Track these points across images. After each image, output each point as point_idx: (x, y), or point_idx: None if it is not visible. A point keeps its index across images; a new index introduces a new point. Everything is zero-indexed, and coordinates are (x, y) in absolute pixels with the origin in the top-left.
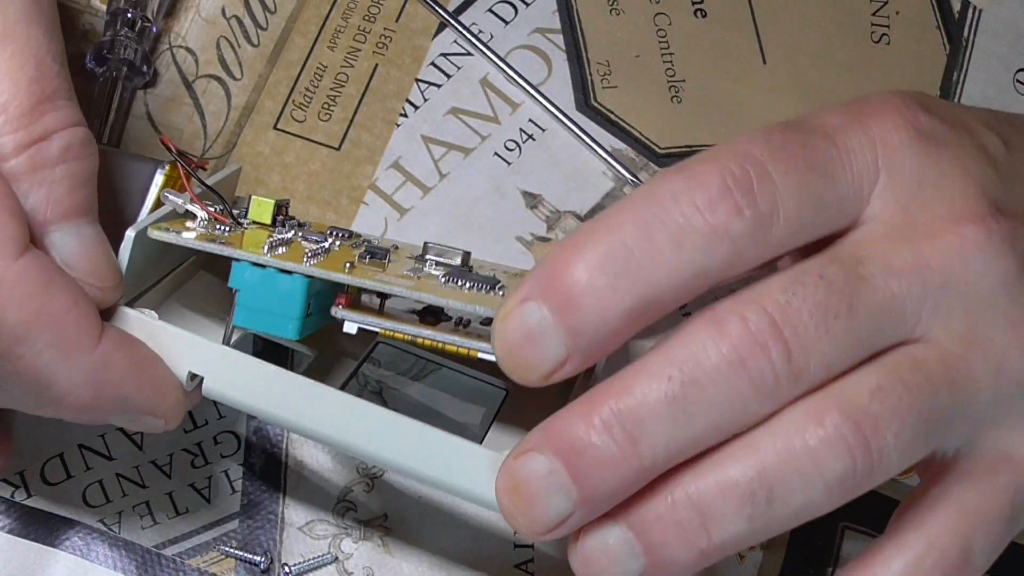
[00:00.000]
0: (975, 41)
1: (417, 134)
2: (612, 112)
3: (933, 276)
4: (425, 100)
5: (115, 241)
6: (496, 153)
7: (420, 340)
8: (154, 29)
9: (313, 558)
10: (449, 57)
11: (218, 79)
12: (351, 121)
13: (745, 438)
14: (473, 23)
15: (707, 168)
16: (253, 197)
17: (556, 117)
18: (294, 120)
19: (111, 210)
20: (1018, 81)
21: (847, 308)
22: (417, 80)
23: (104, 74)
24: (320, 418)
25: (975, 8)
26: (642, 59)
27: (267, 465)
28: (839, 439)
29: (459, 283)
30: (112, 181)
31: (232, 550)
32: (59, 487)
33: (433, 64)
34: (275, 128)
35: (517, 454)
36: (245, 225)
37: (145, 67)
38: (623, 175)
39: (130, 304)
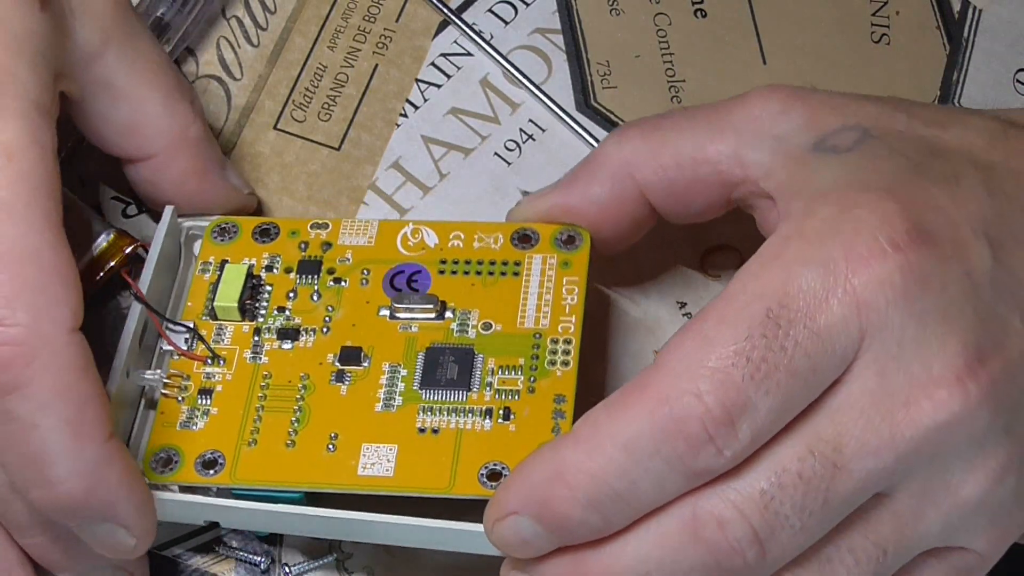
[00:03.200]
0: (975, 41)
1: (417, 134)
2: (612, 112)
3: (906, 447)
4: (425, 100)
5: None
6: (496, 153)
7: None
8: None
9: (313, 558)
10: (449, 57)
11: (218, 79)
12: (351, 121)
13: None
14: (473, 23)
15: (689, 409)
16: (221, 281)
17: (556, 117)
18: (294, 120)
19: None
20: (1018, 81)
21: (823, 502)
22: (417, 80)
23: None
24: (332, 532)
25: (975, 8)
26: (642, 59)
27: None
28: None
29: (425, 391)
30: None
31: (232, 550)
32: None
33: (433, 64)
34: (275, 128)
35: (499, 514)
36: (220, 362)
37: None
38: None
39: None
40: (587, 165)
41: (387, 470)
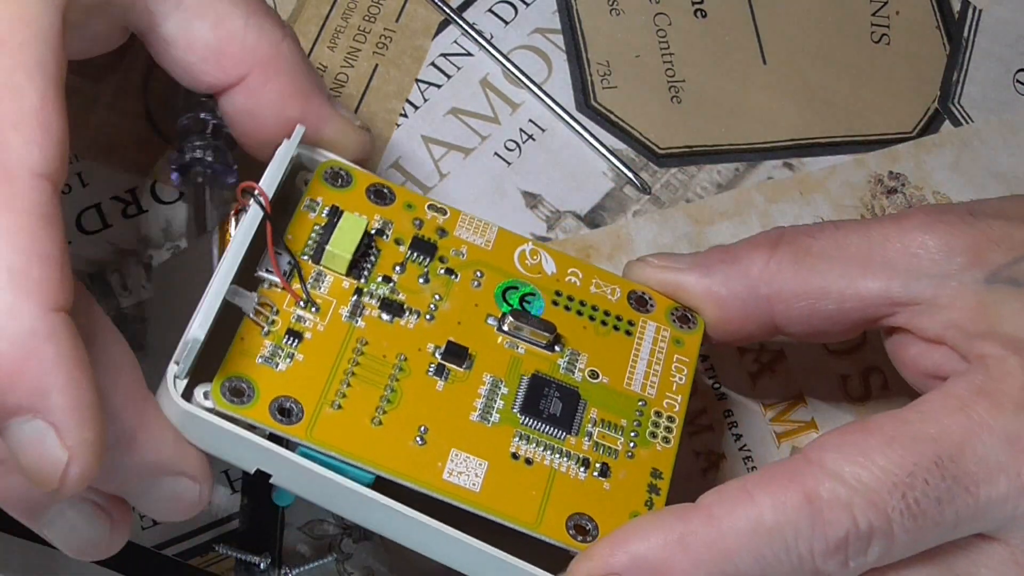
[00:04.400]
0: (975, 41)
1: (417, 134)
2: (612, 112)
3: None
4: (425, 100)
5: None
6: (496, 153)
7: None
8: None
9: (313, 558)
10: (449, 57)
11: None
12: None
13: None
14: (473, 23)
15: (837, 516)
16: (337, 227)
17: (556, 117)
18: None
19: (189, 305)
20: (1018, 81)
21: None
22: (417, 80)
23: (189, 186)
24: (382, 526)
25: (975, 8)
26: (642, 59)
27: None
28: None
29: (529, 421)
30: (178, 282)
31: (232, 550)
32: None
33: (433, 64)
34: None
35: (599, 571)
36: (314, 307)
37: (232, 165)
38: (624, 175)
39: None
40: (730, 260)
41: (474, 484)
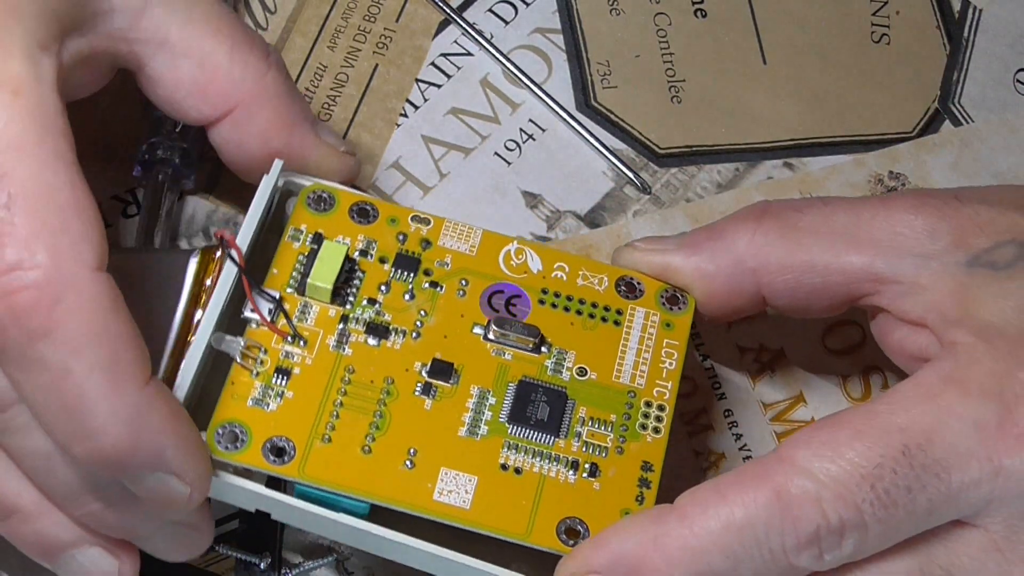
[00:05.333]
0: (975, 41)
1: (417, 134)
2: (612, 112)
3: None
4: (425, 100)
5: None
6: (496, 153)
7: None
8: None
9: (313, 558)
10: (449, 57)
11: None
12: (351, 121)
13: None
14: (473, 23)
15: (806, 511)
16: (318, 258)
17: (556, 117)
18: None
19: (145, 313)
20: (1018, 81)
21: None
22: (417, 80)
23: (149, 180)
24: (380, 551)
25: (975, 8)
26: (642, 59)
27: None
28: None
29: (518, 430)
30: (140, 284)
31: (232, 550)
32: None
33: (433, 64)
34: None
35: (579, 570)
36: (300, 342)
37: (190, 172)
38: (624, 175)
39: None
40: (715, 237)
41: (464, 501)
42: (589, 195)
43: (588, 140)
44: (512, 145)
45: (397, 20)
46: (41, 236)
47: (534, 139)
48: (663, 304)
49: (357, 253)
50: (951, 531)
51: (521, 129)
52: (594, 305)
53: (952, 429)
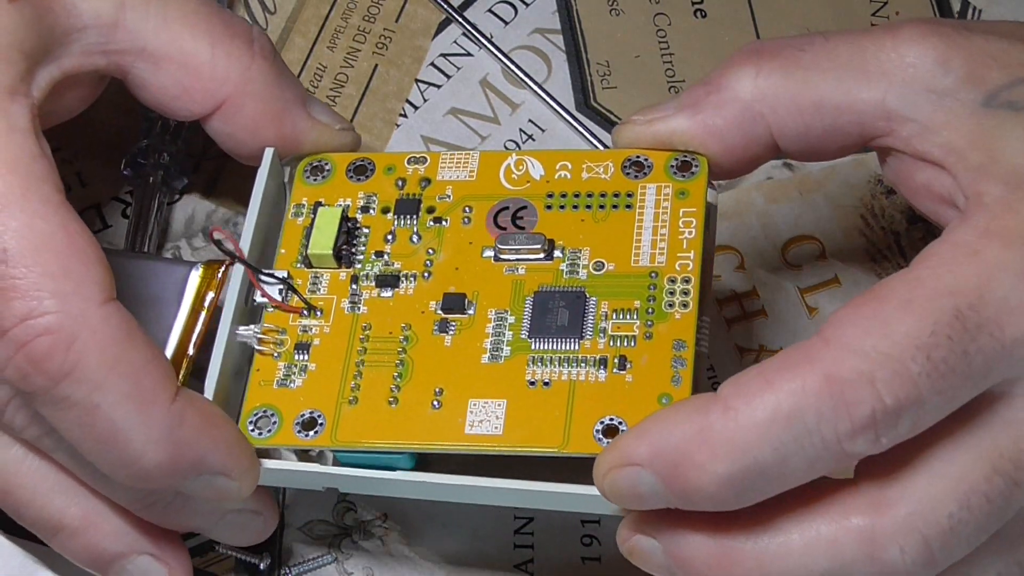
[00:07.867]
0: None
1: (417, 134)
2: (612, 112)
3: None
4: (425, 100)
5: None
6: None
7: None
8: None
9: (313, 558)
10: (449, 57)
11: None
12: (351, 121)
13: None
14: (473, 23)
15: (860, 394)
16: (313, 226)
17: (556, 117)
18: None
19: (142, 322)
20: None
21: (999, 519)
22: (417, 80)
23: (139, 181)
24: (432, 495)
25: (975, 8)
26: (642, 59)
27: None
28: None
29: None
30: (138, 290)
31: (232, 550)
32: None
33: (433, 64)
34: None
35: (620, 462)
36: (317, 311)
37: (181, 174)
38: None
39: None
40: (714, 90)
41: (496, 428)
42: None
43: (588, 140)
44: (512, 145)
45: (397, 20)
46: (44, 284)
47: (534, 139)
48: (674, 174)
49: (359, 212)
50: (1003, 409)
51: (521, 129)
52: (603, 195)
53: (1001, 283)
